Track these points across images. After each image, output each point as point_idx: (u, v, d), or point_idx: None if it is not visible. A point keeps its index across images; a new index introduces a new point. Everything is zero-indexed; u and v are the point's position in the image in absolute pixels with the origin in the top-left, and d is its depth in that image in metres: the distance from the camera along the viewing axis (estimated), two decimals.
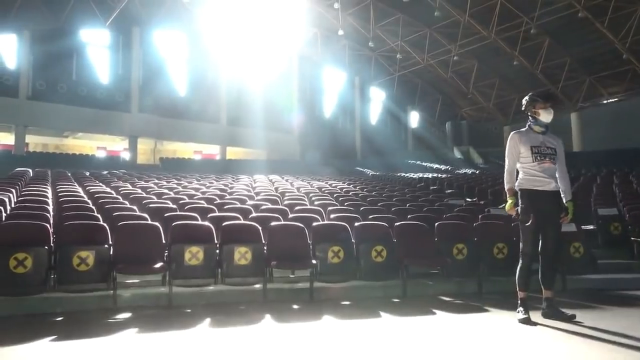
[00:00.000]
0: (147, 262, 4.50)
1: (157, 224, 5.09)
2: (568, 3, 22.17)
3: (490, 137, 34.07)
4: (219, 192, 9.86)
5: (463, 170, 24.47)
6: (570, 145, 27.92)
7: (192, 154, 29.94)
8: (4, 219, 5.58)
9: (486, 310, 4.38)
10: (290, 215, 6.73)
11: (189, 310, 4.32)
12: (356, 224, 5.74)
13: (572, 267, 5.54)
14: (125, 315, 4.11)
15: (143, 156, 28.05)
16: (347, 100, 34.19)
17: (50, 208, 6.62)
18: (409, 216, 7.03)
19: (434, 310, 4.32)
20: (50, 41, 22.59)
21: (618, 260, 6.63)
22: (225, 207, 7.34)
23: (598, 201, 8.69)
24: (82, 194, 8.58)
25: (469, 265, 5.37)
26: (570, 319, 3.74)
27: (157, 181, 12.39)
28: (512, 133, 4.03)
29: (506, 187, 3.96)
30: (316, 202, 8.82)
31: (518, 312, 3.81)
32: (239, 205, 7.71)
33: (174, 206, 7.05)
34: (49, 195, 8.32)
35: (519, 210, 3.85)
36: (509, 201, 3.89)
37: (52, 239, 4.55)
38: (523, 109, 4.07)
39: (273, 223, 5.52)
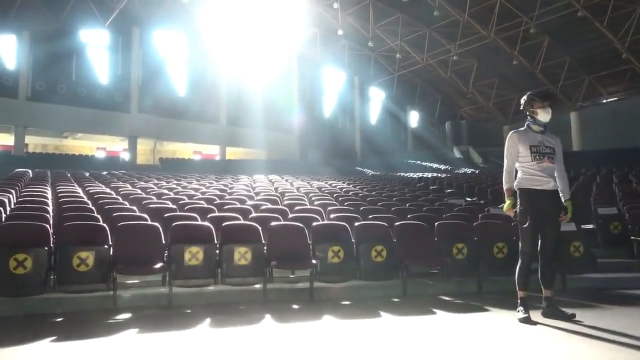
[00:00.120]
0: (147, 262, 4.50)
1: (157, 224, 5.09)
2: (567, 2, 22.18)
3: (490, 136, 34.05)
4: (218, 193, 9.86)
5: (463, 170, 24.51)
6: (570, 144, 27.93)
7: (192, 154, 29.94)
8: (3, 219, 5.58)
9: (486, 310, 4.38)
10: (290, 215, 6.73)
11: (189, 311, 4.32)
12: (356, 223, 5.74)
13: (572, 266, 5.54)
14: (125, 315, 4.11)
15: (143, 156, 28.05)
16: (347, 100, 34.20)
17: (50, 209, 6.61)
18: (408, 216, 7.03)
19: (434, 310, 4.33)
20: (49, 42, 22.59)
21: (618, 259, 6.64)
22: (225, 207, 7.33)
23: (598, 200, 8.70)
24: (81, 194, 8.58)
25: (468, 264, 5.37)
26: (570, 318, 3.74)
27: (156, 181, 12.38)
28: (510, 132, 4.04)
29: (504, 187, 3.97)
30: (316, 202, 8.82)
31: (518, 311, 3.81)
32: (238, 205, 7.70)
33: (174, 206, 7.05)
34: (49, 196, 8.31)
35: (517, 211, 3.85)
36: (507, 202, 3.90)
37: (52, 239, 4.55)
38: (521, 108, 4.08)
39: (273, 223, 5.53)
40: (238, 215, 6.29)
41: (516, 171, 3.99)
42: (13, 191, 8.22)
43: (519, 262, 3.90)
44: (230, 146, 28.61)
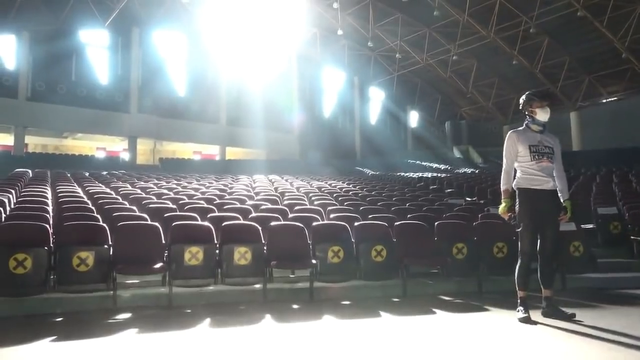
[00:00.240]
0: (147, 262, 4.49)
1: (156, 224, 5.09)
2: (567, 2, 22.18)
3: (490, 136, 34.03)
4: (218, 192, 9.86)
5: (462, 170, 24.51)
6: (569, 144, 27.92)
7: (192, 154, 29.94)
8: (3, 219, 5.58)
9: (486, 310, 4.38)
10: (290, 215, 6.73)
11: (189, 311, 4.32)
12: (356, 223, 5.75)
13: (571, 266, 5.55)
14: (125, 315, 4.11)
15: (142, 156, 28.05)
16: (347, 100, 34.19)
17: (50, 209, 6.61)
18: (408, 216, 7.04)
19: (434, 310, 4.33)
20: (49, 42, 22.58)
21: (618, 259, 6.64)
22: (225, 207, 7.33)
23: (598, 200, 8.70)
24: (81, 194, 8.57)
25: (468, 264, 5.38)
26: (570, 318, 3.74)
27: (156, 181, 12.38)
28: (509, 132, 4.04)
29: (502, 188, 3.95)
30: (316, 202, 8.82)
31: (518, 311, 3.81)
32: (238, 205, 7.70)
33: (174, 206, 7.05)
34: (49, 195, 8.31)
35: (513, 214, 3.85)
36: (503, 204, 3.89)
37: (51, 239, 4.54)
38: (520, 108, 4.07)
39: (273, 223, 5.53)
40: (238, 215, 6.28)
41: (515, 171, 3.99)
42: (13, 191, 8.22)
43: (519, 261, 3.90)
44: (230, 146, 28.61)
